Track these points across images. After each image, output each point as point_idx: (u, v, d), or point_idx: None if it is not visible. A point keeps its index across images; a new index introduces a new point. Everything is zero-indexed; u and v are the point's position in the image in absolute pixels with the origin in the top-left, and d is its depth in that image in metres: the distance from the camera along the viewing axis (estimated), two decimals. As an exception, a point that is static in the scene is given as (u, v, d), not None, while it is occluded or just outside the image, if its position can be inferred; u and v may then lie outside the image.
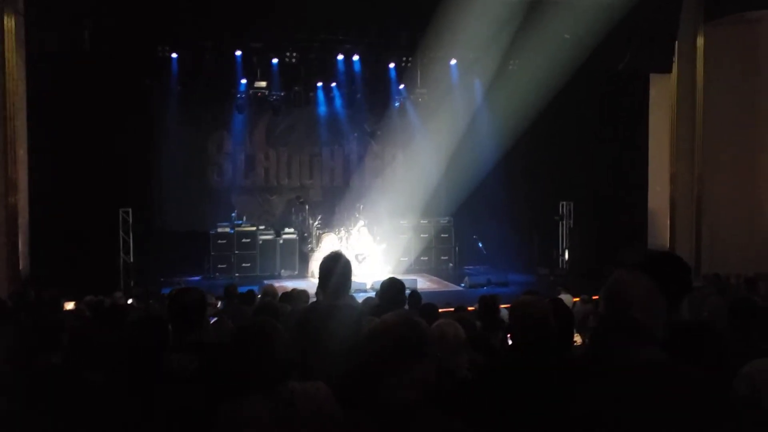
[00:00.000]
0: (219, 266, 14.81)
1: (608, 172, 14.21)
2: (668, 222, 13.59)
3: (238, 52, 13.96)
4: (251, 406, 1.82)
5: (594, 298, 8.91)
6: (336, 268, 3.44)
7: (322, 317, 3.28)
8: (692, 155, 13.20)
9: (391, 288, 4.33)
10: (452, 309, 7.72)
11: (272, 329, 2.05)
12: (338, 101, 16.10)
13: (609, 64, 13.37)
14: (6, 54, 10.53)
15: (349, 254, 14.22)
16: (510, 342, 3.34)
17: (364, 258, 13.94)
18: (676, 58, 13.16)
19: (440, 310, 6.64)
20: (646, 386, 1.82)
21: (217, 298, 8.37)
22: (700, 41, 12.88)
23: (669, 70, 13.27)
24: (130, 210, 13.33)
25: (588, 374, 1.98)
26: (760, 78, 13.08)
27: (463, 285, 13.55)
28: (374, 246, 14.46)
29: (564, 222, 14.77)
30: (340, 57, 14.43)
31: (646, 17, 12.64)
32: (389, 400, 1.78)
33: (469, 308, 9.26)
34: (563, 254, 14.80)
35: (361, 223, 14.67)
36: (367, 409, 1.78)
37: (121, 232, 13.09)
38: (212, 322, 5.63)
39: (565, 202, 14.79)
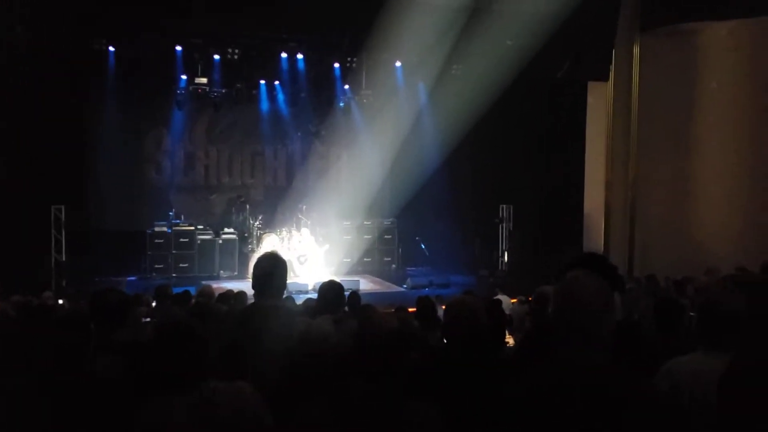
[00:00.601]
0: (156, 266, 14.48)
1: (547, 177, 14.49)
2: (603, 226, 13.94)
3: (179, 48, 13.69)
4: (171, 406, 1.77)
5: (529, 299, 9.04)
6: (275, 268, 3.40)
7: (264, 317, 3.24)
8: (627, 161, 13.56)
9: (330, 290, 4.31)
10: (393, 310, 7.73)
11: (192, 328, 2.00)
12: (282, 100, 15.93)
13: (549, 72, 13.63)
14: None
15: (290, 255, 14.13)
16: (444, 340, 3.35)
17: (306, 259, 13.86)
18: (613, 67, 13.51)
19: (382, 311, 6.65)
20: (581, 387, 1.82)
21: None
22: (636, 51, 13.24)
23: (606, 79, 13.62)
24: (62, 207, 12.92)
25: (519, 372, 1.99)
26: (694, 88, 13.52)
27: (405, 286, 13.61)
28: (316, 247, 14.37)
29: (504, 225, 15.00)
30: (284, 55, 14.29)
31: (585, 27, 12.93)
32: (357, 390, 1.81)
33: (410, 309, 9.32)
34: (503, 256, 15.01)
35: (303, 223, 14.57)
36: (328, 402, 1.80)
37: (53, 231, 12.66)
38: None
39: (505, 205, 15.02)
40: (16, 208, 11.90)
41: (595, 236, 14.31)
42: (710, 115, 13.34)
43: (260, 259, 3.53)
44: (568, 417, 1.78)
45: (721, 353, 2.36)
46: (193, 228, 14.94)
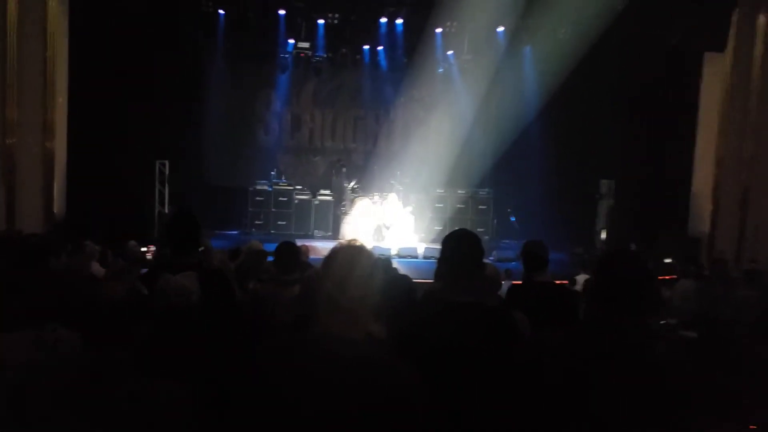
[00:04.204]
0: (256, 222, 15.11)
1: (653, 152, 13.66)
2: (711, 207, 12.95)
3: (282, 11, 13.97)
4: (11, 343, 1.85)
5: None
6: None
7: None
8: (743, 138, 12.47)
9: (287, 251, 4.45)
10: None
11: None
12: (384, 65, 15.94)
13: (663, 39, 12.75)
14: (47, 1, 10.81)
15: (378, 220, 14.20)
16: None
17: (390, 225, 13.96)
18: (733, 37, 12.38)
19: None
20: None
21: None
22: (761, 20, 12.05)
23: (723, 49, 12.53)
24: (166, 162, 13.65)
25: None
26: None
27: (491, 258, 13.34)
28: (404, 213, 14.41)
29: (604, 201, 14.31)
30: (383, 20, 14.24)
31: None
32: None
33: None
34: (600, 233, 14.36)
35: (394, 189, 14.64)
36: None
37: (156, 183, 13.45)
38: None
39: (606, 180, 14.31)
40: (125, 161, 12.72)
41: (702, 218, 13.35)
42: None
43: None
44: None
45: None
46: (291, 187, 15.41)
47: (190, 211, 3.50)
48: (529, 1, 12.99)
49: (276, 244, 10.19)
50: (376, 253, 11.98)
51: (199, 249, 4.16)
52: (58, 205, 11.50)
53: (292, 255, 4.62)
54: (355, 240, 1.95)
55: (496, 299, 4.09)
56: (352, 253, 1.84)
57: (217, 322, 2.85)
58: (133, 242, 9.24)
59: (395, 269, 6.70)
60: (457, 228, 11.66)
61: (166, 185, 13.66)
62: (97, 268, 7.30)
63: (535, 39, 14.33)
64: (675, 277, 8.29)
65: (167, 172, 13.65)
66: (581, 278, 9.13)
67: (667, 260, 9.16)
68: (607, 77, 13.49)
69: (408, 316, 2.57)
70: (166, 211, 13.59)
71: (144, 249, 10.16)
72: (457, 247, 2.60)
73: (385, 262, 6.32)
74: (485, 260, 10.74)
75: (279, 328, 3.23)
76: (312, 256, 8.98)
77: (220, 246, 11.19)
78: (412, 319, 2.51)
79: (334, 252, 1.85)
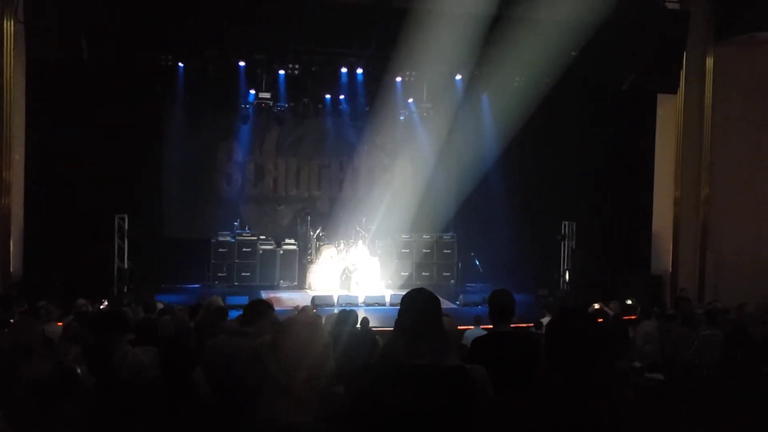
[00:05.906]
0: (219, 274, 14.88)
1: (612, 194, 13.89)
2: (671, 246, 13.17)
3: (242, 63, 13.99)
4: None
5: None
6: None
7: None
8: (698, 177, 12.80)
9: (252, 306, 4.33)
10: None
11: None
12: (346, 113, 16.03)
13: (614, 84, 13.10)
14: (4, 59, 10.71)
15: (344, 267, 14.07)
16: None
17: (355, 269, 13.86)
18: (683, 78, 12.80)
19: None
20: None
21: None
22: (709, 62, 12.50)
23: (675, 91, 12.92)
24: (126, 216, 13.41)
25: None
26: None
27: (457, 303, 13.33)
28: (370, 259, 14.35)
29: (566, 242, 14.47)
30: (344, 70, 14.35)
31: (653, 37, 12.35)
32: None
33: (460, 327, 9.09)
34: (564, 275, 14.47)
35: (360, 236, 14.60)
36: None
37: (116, 238, 13.19)
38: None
39: (567, 222, 14.50)
40: (84, 217, 12.49)
41: (663, 256, 13.56)
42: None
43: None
44: None
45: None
46: (255, 238, 15.26)
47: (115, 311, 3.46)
48: (484, 50, 13.21)
49: (240, 297, 10.00)
50: (343, 302, 11.93)
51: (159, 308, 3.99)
52: (14, 265, 11.19)
53: (256, 310, 4.49)
54: (309, 307, 1.91)
55: (454, 355, 4.03)
56: (301, 332, 1.77)
57: (171, 400, 2.74)
58: (81, 300, 8.94)
59: (360, 323, 6.60)
60: (418, 283, 11.72)
61: (126, 239, 13.38)
62: (53, 329, 7.09)
63: (491, 86, 14.60)
64: (635, 317, 8.34)
65: (126, 226, 13.38)
66: (546, 321, 9.14)
67: (628, 301, 9.21)
68: (564, 121, 13.75)
69: (364, 381, 2.51)
70: (126, 266, 13.30)
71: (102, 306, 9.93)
72: (412, 308, 2.56)
73: (351, 316, 6.23)
74: (451, 304, 10.66)
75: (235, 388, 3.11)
76: (277, 307, 8.85)
77: (181, 301, 11.07)
78: (368, 385, 2.45)
79: (285, 329, 1.79)
